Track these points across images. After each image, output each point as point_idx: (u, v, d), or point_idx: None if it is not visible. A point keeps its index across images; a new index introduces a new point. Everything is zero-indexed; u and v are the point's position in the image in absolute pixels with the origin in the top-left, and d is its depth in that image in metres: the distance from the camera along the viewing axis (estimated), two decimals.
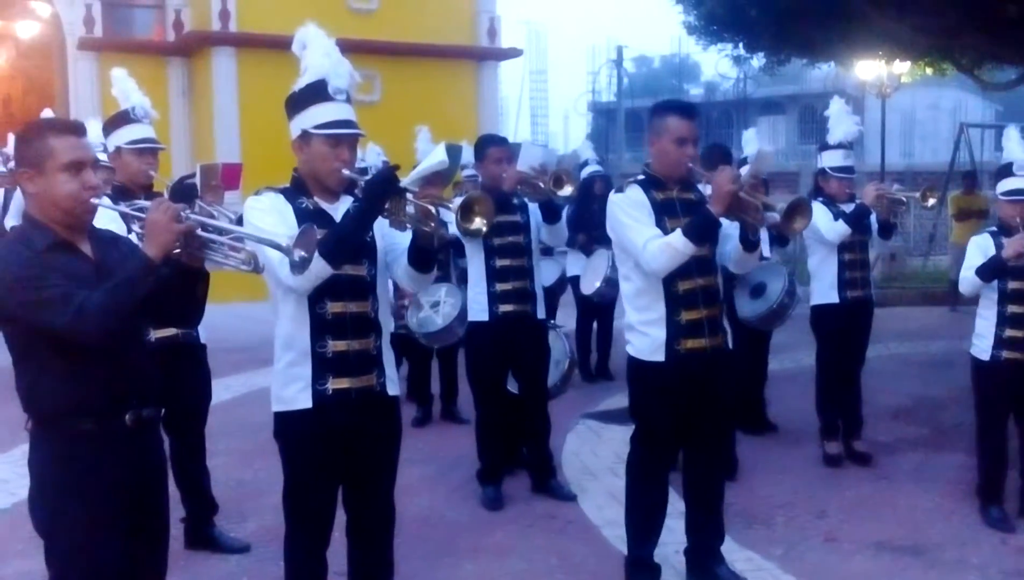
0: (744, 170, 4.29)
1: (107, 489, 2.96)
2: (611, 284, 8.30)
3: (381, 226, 3.51)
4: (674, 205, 4.24)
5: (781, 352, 7.67)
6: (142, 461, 3.09)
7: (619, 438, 7.07)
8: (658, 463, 4.42)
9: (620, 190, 4.33)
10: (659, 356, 4.24)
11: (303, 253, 2.86)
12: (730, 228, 4.20)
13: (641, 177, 4.37)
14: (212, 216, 4.69)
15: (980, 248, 5.28)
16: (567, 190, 5.68)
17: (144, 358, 3.15)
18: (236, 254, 2.92)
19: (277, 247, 2.85)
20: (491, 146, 5.80)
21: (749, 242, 4.17)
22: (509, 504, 5.71)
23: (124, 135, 4.74)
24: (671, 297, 4.21)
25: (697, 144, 4.28)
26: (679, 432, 4.38)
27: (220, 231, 2.96)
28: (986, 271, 5.18)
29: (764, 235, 5.44)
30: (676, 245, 4.04)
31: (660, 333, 4.23)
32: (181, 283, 2.99)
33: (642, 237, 4.12)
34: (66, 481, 2.95)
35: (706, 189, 4.35)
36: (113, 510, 2.99)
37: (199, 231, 2.89)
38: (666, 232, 4.12)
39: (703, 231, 4.05)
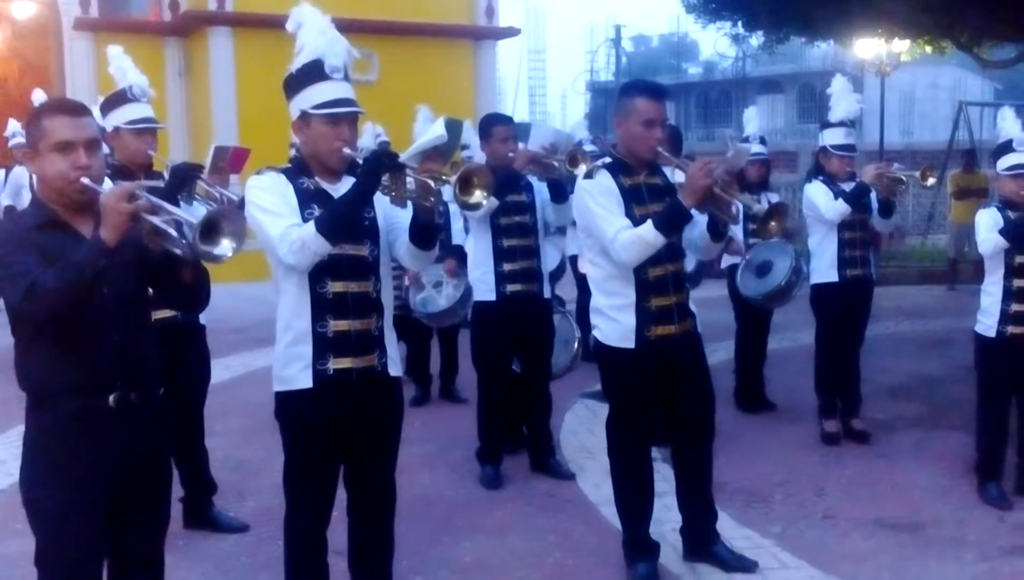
0: (720, 165, 4.25)
1: (85, 470, 2.96)
2: None
3: (383, 205, 3.51)
4: (641, 191, 4.20)
5: (779, 331, 7.68)
6: (128, 443, 3.04)
7: None
8: (636, 443, 4.41)
9: (589, 175, 4.27)
10: (628, 343, 4.22)
11: (233, 242, 2.78)
12: (698, 215, 4.15)
13: (608, 160, 4.33)
14: (216, 198, 4.70)
15: (992, 218, 5.27)
16: (582, 169, 5.68)
17: (142, 340, 3.13)
18: (180, 240, 2.87)
19: (191, 226, 2.76)
20: (497, 125, 5.78)
21: (717, 232, 4.16)
22: (508, 483, 5.73)
23: (122, 115, 4.72)
24: (641, 283, 4.19)
25: (665, 126, 4.24)
26: (656, 413, 4.38)
27: (162, 213, 2.87)
28: (1011, 233, 5.14)
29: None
30: (647, 238, 4.00)
31: (630, 319, 4.21)
32: (166, 269, 3.00)
33: (612, 228, 4.08)
34: (46, 458, 2.98)
35: (674, 175, 4.33)
36: (90, 491, 2.98)
37: (144, 215, 2.81)
38: (634, 219, 4.08)
39: (674, 223, 4.02)
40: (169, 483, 3.28)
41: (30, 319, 2.86)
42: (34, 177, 3.13)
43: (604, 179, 4.20)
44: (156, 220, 2.82)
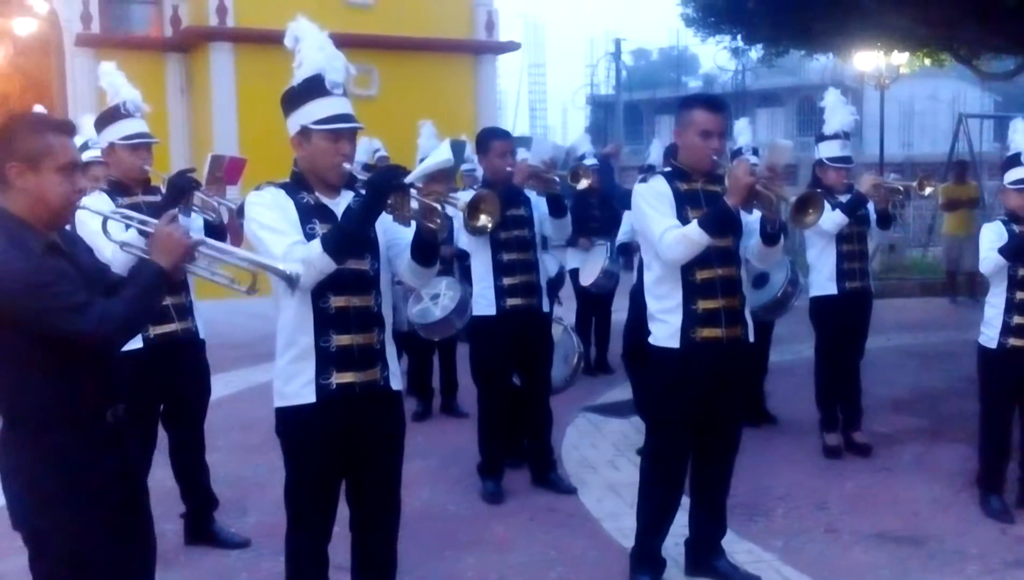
0: (760, 162, 4.28)
1: (97, 490, 2.96)
2: (608, 276, 8.33)
3: (383, 221, 3.51)
4: (698, 196, 4.26)
5: (780, 344, 7.67)
6: (124, 459, 3.11)
7: (618, 431, 7.09)
8: (673, 455, 4.41)
9: (645, 180, 4.35)
10: (674, 343, 4.25)
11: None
12: (754, 222, 4.21)
13: (668, 169, 4.40)
14: (214, 208, 4.71)
15: (996, 233, 5.26)
16: (584, 184, 5.71)
17: (115, 356, 3.17)
18: (223, 273, 3.07)
19: (280, 274, 3.03)
20: (495, 139, 5.79)
21: (768, 236, 4.17)
22: (509, 497, 5.72)
23: (117, 130, 4.72)
24: (688, 285, 4.22)
25: (723, 137, 4.29)
26: (694, 423, 4.37)
27: (224, 253, 3.10)
28: (1011, 250, 5.15)
29: None
30: (692, 236, 4.05)
31: (676, 320, 4.24)
32: None
33: (660, 227, 4.14)
34: (57, 484, 2.93)
35: None
36: (104, 510, 3.01)
37: (202, 248, 3.01)
38: (688, 222, 4.13)
39: (718, 222, 4.06)
40: (148, 492, 3.37)
41: (96, 346, 2.88)
42: None
43: (658, 183, 4.28)
44: (209, 252, 3.07)
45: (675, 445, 4.41)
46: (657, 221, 4.17)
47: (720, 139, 4.26)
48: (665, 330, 4.28)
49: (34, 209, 2.90)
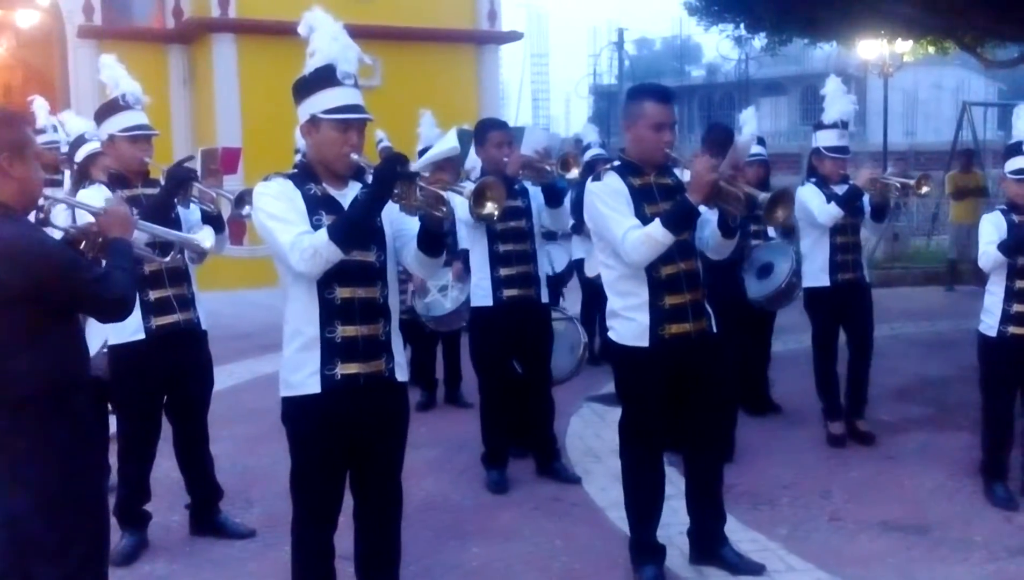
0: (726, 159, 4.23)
1: (104, 462, 3.14)
2: None
3: (390, 212, 3.51)
4: (652, 191, 4.20)
5: (784, 333, 7.66)
6: None
7: None
8: (649, 446, 4.39)
9: (597, 178, 4.27)
10: (643, 341, 4.20)
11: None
12: (707, 213, 4.16)
13: (617, 163, 4.33)
14: (212, 199, 4.73)
15: (994, 225, 5.24)
16: (574, 173, 5.69)
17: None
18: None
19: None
20: (492, 130, 5.78)
21: (728, 229, 4.14)
22: (514, 487, 5.72)
23: (117, 122, 4.70)
24: (654, 282, 4.17)
25: (674, 129, 4.24)
26: (669, 415, 4.35)
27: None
28: (1009, 247, 5.14)
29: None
30: (655, 236, 4.00)
31: (644, 318, 4.19)
32: None
33: (621, 228, 4.08)
34: (85, 449, 3.10)
35: (684, 174, 4.31)
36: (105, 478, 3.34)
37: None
38: (645, 218, 4.07)
39: (682, 220, 4.01)
40: None
41: (116, 309, 3.15)
42: None
43: (612, 180, 4.20)
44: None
45: (649, 438, 4.38)
46: (617, 222, 4.10)
47: (671, 131, 4.19)
48: (632, 329, 4.23)
49: (20, 195, 3.07)
